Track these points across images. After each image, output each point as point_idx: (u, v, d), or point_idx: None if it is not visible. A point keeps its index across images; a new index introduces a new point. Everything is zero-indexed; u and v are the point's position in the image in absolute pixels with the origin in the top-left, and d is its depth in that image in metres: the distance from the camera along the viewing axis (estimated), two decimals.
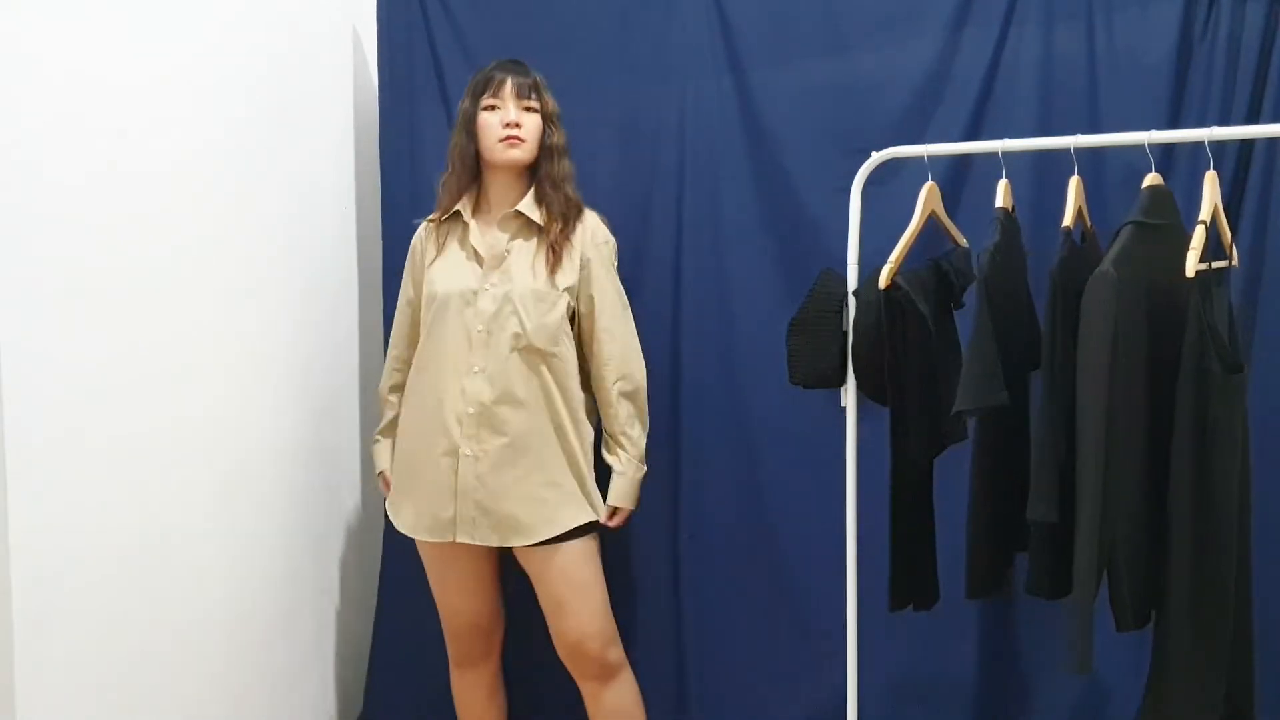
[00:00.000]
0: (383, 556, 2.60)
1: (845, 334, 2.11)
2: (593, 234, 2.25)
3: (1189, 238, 1.82)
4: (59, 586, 1.61)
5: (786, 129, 2.43)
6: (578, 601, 2.21)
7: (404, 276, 2.36)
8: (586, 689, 2.28)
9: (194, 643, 1.96)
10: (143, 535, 1.80)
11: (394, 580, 2.58)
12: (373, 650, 2.61)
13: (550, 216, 2.20)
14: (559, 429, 2.18)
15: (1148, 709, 1.90)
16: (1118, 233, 1.83)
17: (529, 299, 2.16)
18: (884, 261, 2.04)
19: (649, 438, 2.31)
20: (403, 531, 2.26)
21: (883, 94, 2.38)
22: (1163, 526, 1.83)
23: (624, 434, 2.25)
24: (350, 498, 2.60)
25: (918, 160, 2.10)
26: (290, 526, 2.31)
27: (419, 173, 2.56)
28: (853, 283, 2.13)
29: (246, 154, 2.13)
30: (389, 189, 2.57)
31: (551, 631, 2.26)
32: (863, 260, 2.14)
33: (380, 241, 2.58)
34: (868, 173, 2.13)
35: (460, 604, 2.31)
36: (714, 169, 2.47)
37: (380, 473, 2.39)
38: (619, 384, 2.24)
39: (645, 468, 2.29)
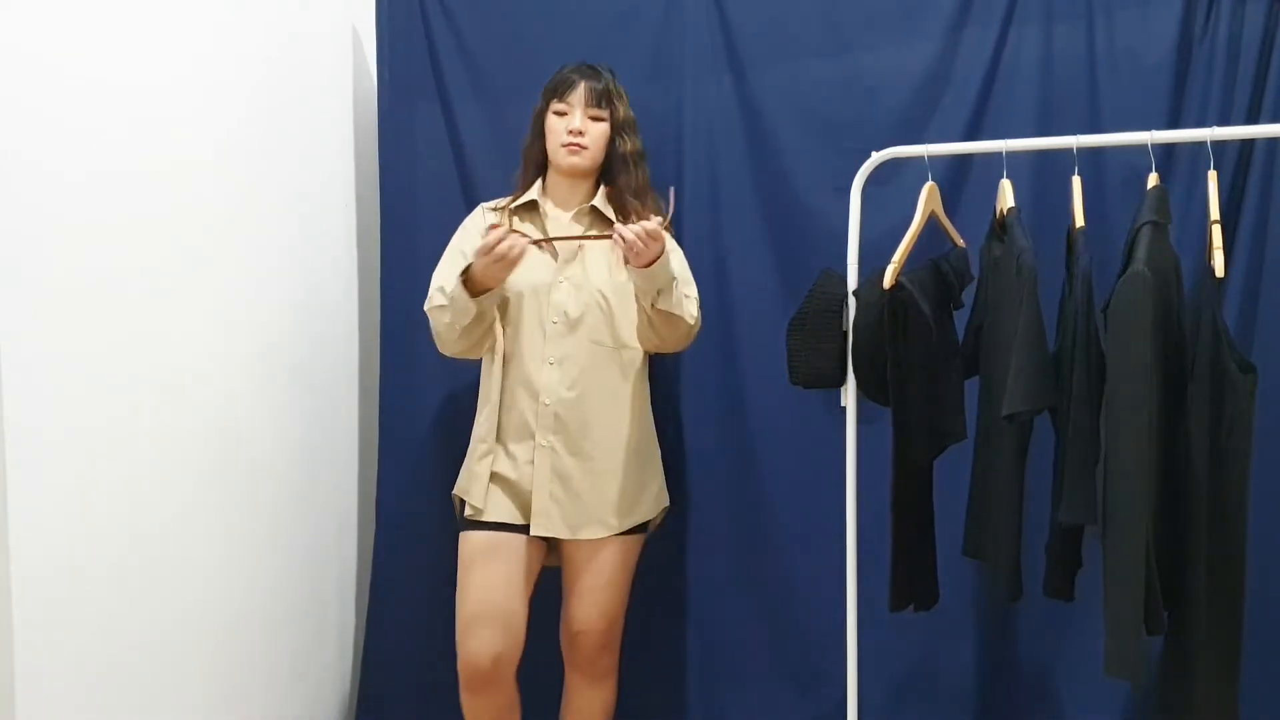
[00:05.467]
0: (374, 558, 2.59)
1: (845, 334, 2.11)
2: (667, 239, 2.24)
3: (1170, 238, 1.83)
4: (59, 586, 1.60)
5: (786, 129, 2.43)
6: (597, 594, 2.21)
7: (453, 252, 2.21)
8: (569, 678, 2.29)
9: (192, 642, 1.95)
10: (142, 535, 1.80)
11: (385, 581, 2.57)
12: (365, 650, 2.60)
13: (625, 218, 2.18)
14: (632, 423, 2.20)
15: (1168, 710, 1.89)
16: (1137, 232, 1.82)
17: (610, 294, 2.18)
18: (883, 261, 2.04)
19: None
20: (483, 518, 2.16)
21: (882, 94, 2.38)
22: (1180, 525, 1.83)
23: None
24: (348, 497, 2.60)
25: (918, 160, 2.10)
26: (289, 526, 2.31)
27: (418, 173, 2.56)
28: (852, 283, 2.13)
29: (246, 154, 2.12)
30: (389, 189, 2.56)
31: (562, 610, 2.27)
32: (863, 260, 2.14)
33: (380, 242, 2.58)
34: (868, 173, 2.13)
35: (496, 600, 2.13)
36: (714, 169, 2.47)
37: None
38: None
39: (670, 274, 2.08)
